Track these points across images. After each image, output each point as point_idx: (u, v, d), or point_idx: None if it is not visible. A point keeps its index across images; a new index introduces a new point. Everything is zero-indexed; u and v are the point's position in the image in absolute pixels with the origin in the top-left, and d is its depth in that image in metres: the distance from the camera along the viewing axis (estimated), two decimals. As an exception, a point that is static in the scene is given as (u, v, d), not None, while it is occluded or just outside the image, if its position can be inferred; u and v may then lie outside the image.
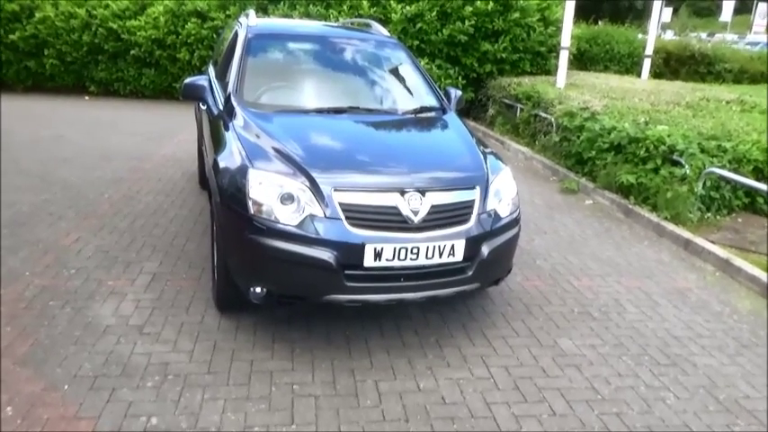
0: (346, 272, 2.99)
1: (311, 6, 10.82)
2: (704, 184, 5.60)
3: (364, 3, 10.47)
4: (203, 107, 4.59)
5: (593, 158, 6.66)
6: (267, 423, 2.66)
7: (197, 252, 4.40)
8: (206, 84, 4.25)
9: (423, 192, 3.10)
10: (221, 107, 3.98)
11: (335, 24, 6.69)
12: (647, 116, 6.73)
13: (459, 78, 10.77)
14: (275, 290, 3.09)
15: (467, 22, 10.29)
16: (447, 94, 4.46)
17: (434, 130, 4.08)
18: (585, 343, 3.53)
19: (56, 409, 2.65)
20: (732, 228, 5.59)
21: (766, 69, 15.85)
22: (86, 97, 11.38)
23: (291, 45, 4.58)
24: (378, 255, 2.98)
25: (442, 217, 3.14)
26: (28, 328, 3.26)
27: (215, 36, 10.51)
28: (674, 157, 5.72)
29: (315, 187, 3.03)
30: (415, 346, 3.36)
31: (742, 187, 5.75)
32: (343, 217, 2.99)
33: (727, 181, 5.66)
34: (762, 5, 37.08)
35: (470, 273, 3.21)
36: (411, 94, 4.49)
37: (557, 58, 9.92)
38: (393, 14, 10.36)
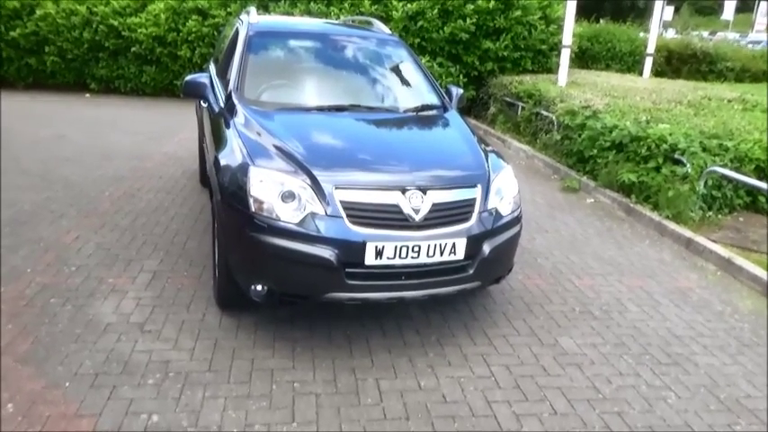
0: (347, 270, 2.98)
1: (312, 4, 10.80)
2: (706, 182, 5.59)
3: (365, 0, 10.46)
4: (204, 105, 4.58)
5: (595, 157, 6.66)
6: (268, 421, 2.66)
7: (198, 250, 4.40)
8: (207, 81, 4.24)
9: (424, 190, 3.09)
10: (222, 105, 3.97)
11: (337, 22, 6.68)
12: (649, 115, 6.72)
13: (461, 76, 10.76)
14: (276, 288, 3.09)
15: (468, 20, 10.27)
16: (448, 93, 4.45)
17: (436, 128, 4.08)
18: (587, 342, 3.53)
19: (57, 406, 2.65)
20: (734, 227, 5.58)
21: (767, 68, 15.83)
22: (87, 95, 11.37)
23: (292, 43, 4.57)
24: (379, 253, 2.97)
25: (444, 215, 3.13)
26: (29, 326, 3.26)
27: (216, 33, 10.50)
28: (676, 155, 5.71)
29: (316, 185, 3.03)
30: (416, 345, 3.36)
31: (743, 186, 5.75)
32: (344, 215, 2.98)
33: (729, 180, 5.66)
34: (763, 4, 37.03)
35: (471, 271, 3.21)
36: (412, 92, 4.48)
37: (558, 56, 9.91)
38: (394, 12, 10.35)
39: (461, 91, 4.52)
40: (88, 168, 6.34)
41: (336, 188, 3.02)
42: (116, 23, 10.80)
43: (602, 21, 17.74)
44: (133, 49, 11.00)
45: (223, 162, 3.37)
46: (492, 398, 2.94)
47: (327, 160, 3.24)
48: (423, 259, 3.06)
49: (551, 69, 10.79)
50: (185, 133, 7.93)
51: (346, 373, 3.05)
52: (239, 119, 3.61)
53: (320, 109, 3.92)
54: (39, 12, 10.76)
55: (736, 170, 5.66)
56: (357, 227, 2.98)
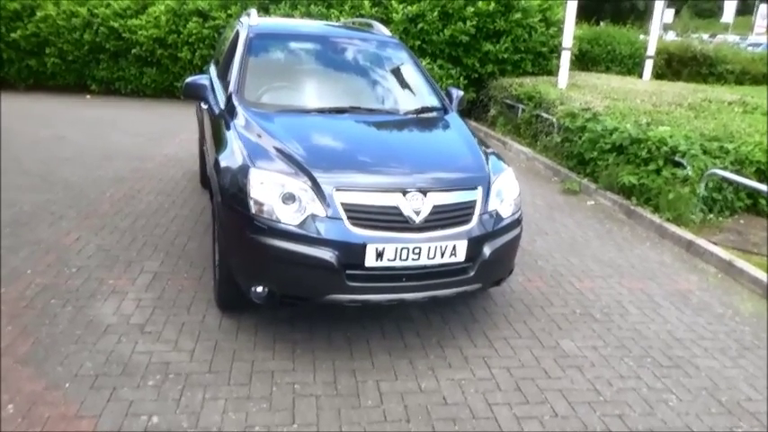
0: (348, 272, 2.98)
1: (312, 6, 10.81)
2: (706, 185, 5.59)
3: (365, 3, 10.47)
4: (204, 106, 4.59)
5: (595, 159, 6.65)
6: (268, 423, 2.66)
7: (198, 251, 4.40)
8: (207, 83, 4.25)
9: (424, 192, 3.09)
10: (222, 107, 3.97)
11: (337, 24, 6.69)
12: (649, 117, 6.73)
13: (461, 79, 10.76)
14: (276, 289, 3.09)
15: (468, 23, 10.28)
16: (448, 95, 4.46)
17: (436, 130, 4.08)
18: (587, 344, 3.52)
19: (57, 407, 2.65)
20: (734, 229, 5.58)
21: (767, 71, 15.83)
22: (87, 96, 11.37)
23: (293, 45, 4.57)
24: (379, 255, 2.97)
25: (444, 217, 3.13)
26: (29, 327, 3.26)
27: (216, 35, 10.51)
28: (676, 158, 5.71)
29: (316, 187, 3.03)
30: (416, 347, 3.35)
31: (744, 189, 5.75)
32: (344, 217, 2.98)
33: (730, 182, 5.65)
34: (763, 7, 37.05)
35: (472, 273, 3.21)
36: (413, 94, 4.48)
37: (558, 58, 9.91)
38: (394, 14, 10.35)
39: (461, 93, 4.53)
40: (88, 169, 6.34)
41: (337, 190, 3.02)
42: (117, 25, 10.81)
43: (602, 23, 17.74)
44: (134, 50, 11.02)
45: (223, 164, 3.37)
46: (493, 400, 2.93)
47: (328, 162, 3.24)
48: (423, 261, 3.06)
49: (551, 72, 10.79)
50: (186, 135, 7.93)
51: (347, 375, 3.05)
52: (239, 121, 3.61)
53: (320, 111, 3.92)
54: (39, 13, 10.78)
55: (737, 173, 5.66)
56: (357, 229, 2.98)
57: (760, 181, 5.67)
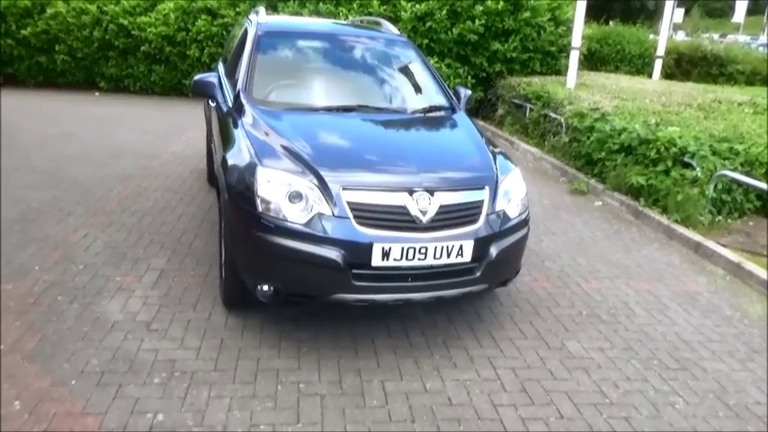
0: (354, 271, 2.98)
1: (321, 4, 10.81)
2: (715, 186, 5.55)
3: (374, 1, 10.46)
4: (212, 104, 4.60)
5: (603, 159, 6.62)
6: (273, 421, 2.66)
7: (205, 249, 4.41)
8: (215, 81, 4.25)
9: (431, 191, 3.08)
10: (230, 104, 3.98)
11: (345, 22, 6.68)
12: (658, 117, 6.68)
13: (469, 78, 10.73)
14: (282, 288, 3.09)
15: (477, 22, 10.24)
16: (456, 94, 4.44)
17: (444, 129, 4.06)
18: (594, 346, 3.50)
19: (63, 404, 2.66)
20: (743, 231, 5.53)
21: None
22: (96, 93, 11.43)
23: (301, 43, 4.57)
24: (386, 254, 2.96)
25: (451, 217, 3.12)
26: (36, 324, 3.28)
27: (225, 33, 10.53)
28: (685, 159, 5.67)
29: (323, 186, 3.02)
30: (421, 347, 3.35)
31: (754, 190, 5.70)
32: (351, 216, 2.98)
33: (739, 184, 5.61)
34: (775, 6, 36.74)
35: (478, 273, 3.20)
36: (420, 93, 4.47)
37: (567, 57, 9.87)
38: (403, 13, 10.33)
39: (469, 92, 4.51)
40: (96, 167, 6.37)
41: (344, 189, 3.02)
42: (126, 23, 10.86)
43: (611, 22, 17.66)
44: (143, 48, 11.06)
45: (231, 162, 3.38)
46: (498, 401, 2.92)
47: (335, 161, 3.23)
48: (429, 261, 3.05)
49: (560, 71, 10.75)
50: (193, 132, 7.95)
51: (352, 375, 3.05)
52: (247, 119, 3.62)
53: (328, 109, 3.92)
54: (49, 11, 10.84)
55: (747, 174, 5.61)
56: (364, 228, 2.97)
57: (770, 182, 5.63)
